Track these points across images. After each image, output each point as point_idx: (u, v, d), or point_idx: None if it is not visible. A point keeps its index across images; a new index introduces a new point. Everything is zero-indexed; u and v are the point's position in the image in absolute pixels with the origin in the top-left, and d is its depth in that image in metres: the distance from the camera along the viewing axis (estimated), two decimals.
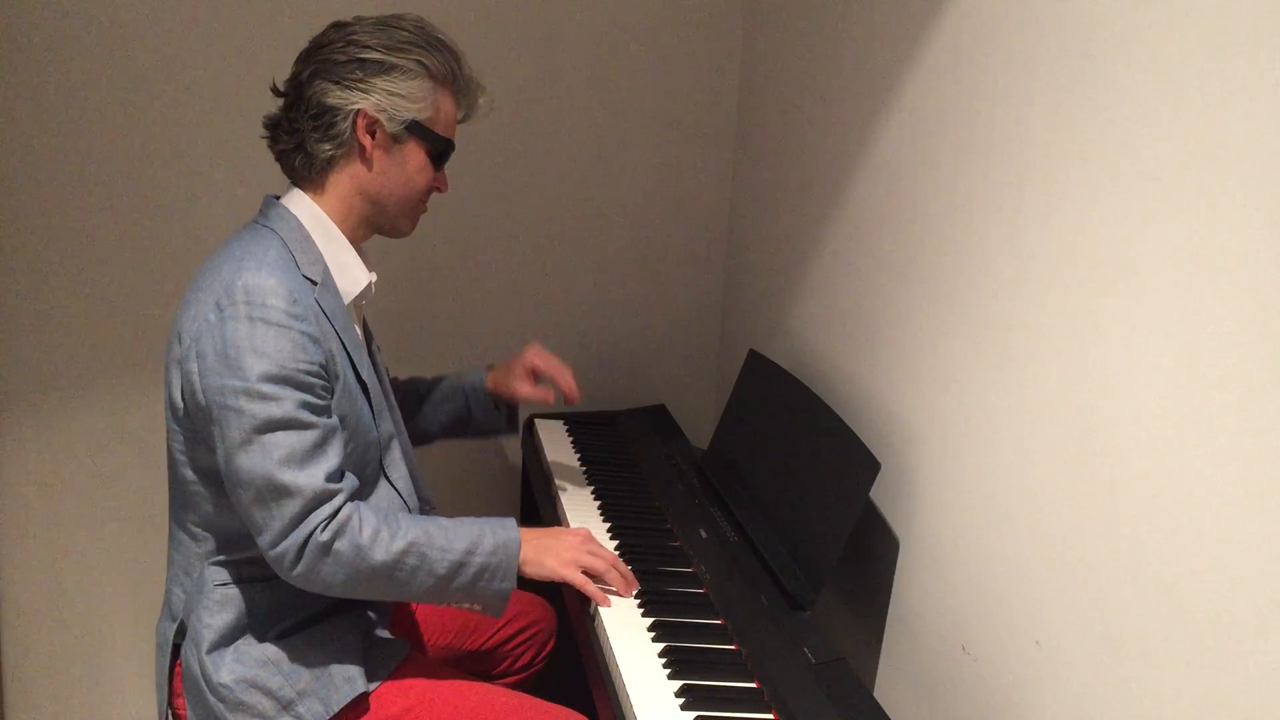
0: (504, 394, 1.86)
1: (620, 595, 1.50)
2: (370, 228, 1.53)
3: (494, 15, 2.22)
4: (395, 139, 1.46)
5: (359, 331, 1.55)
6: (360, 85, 1.42)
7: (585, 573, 1.49)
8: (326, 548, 1.33)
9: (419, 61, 1.45)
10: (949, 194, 1.45)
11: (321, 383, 1.37)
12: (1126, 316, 1.09)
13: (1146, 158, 1.06)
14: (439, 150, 1.51)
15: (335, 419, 1.39)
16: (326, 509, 1.34)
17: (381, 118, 1.44)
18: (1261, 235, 0.92)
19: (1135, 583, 1.08)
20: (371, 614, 1.55)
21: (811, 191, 1.95)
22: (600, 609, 1.48)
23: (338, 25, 1.48)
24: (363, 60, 1.43)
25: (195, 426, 1.38)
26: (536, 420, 2.25)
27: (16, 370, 2.15)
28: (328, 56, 1.44)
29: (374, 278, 1.53)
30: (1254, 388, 0.93)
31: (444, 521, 1.44)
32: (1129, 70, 1.08)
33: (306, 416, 1.34)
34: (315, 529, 1.33)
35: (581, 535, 1.54)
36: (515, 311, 2.38)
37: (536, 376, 1.84)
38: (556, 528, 1.57)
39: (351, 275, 1.50)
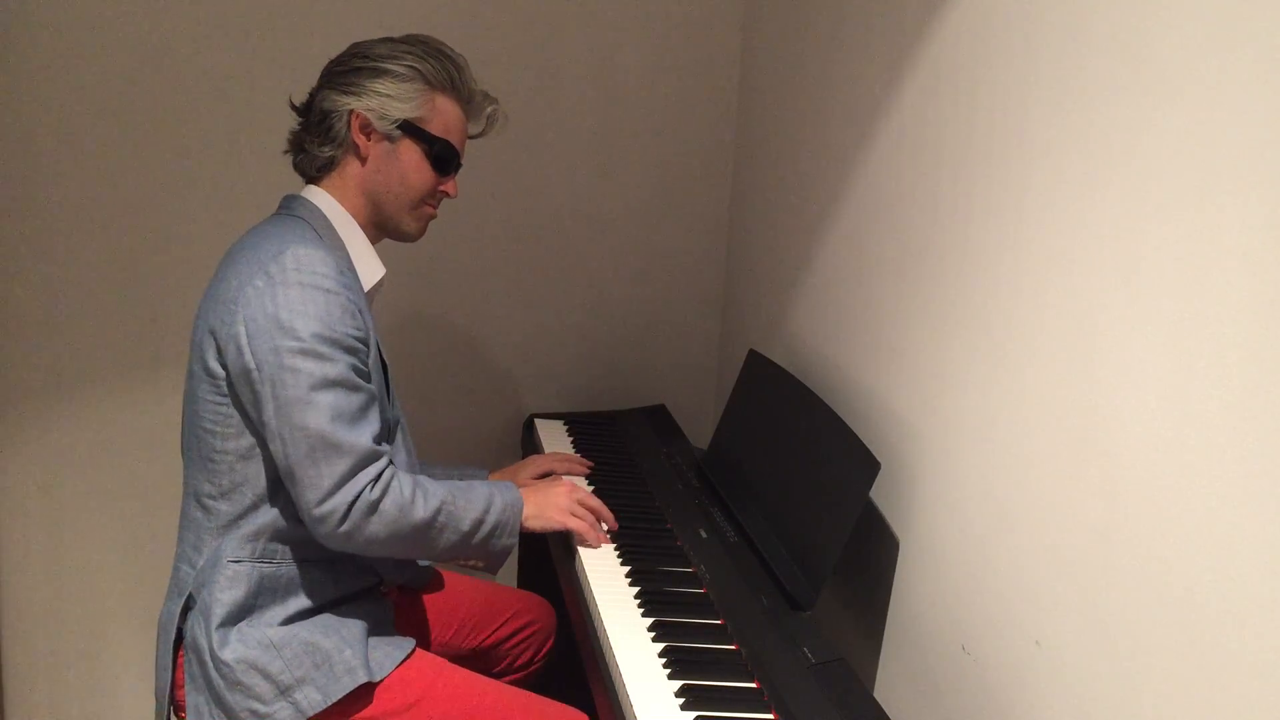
0: None
1: (607, 531, 1.67)
2: (376, 229, 1.60)
3: (494, 16, 2.22)
4: (389, 138, 1.53)
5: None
6: (353, 89, 1.52)
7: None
8: (374, 506, 1.40)
9: (411, 66, 1.53)
10: (949, 194, 1.45)
11: (365, 350, 1.45)
12: (1126, 316, 1.09)
13: (1146, 158, 1.06)
14: (436, 151, 1.56)
15: (374, 388, 1.46)
16: (373, 469, 1.41)
17: (371, 116, 1.52)
18: (1261, 235, 0.92)
19: (1135, 583, 1.08)
20: (378, 608, 1.56)
21: (811, 192, 1.95)
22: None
23: (355, 44, 1.57)
24: (359, 68, 1.52)
25: (237, 393, 1.42)
26: (536, 420, 2.25)
27: (16, 370, 2.15)
28: (333, 69, 1.55)
29: (385, 274, 1.60)
30: (1253, 388, 0.93)
31: (455, 484, 1.53)
32: (1128, 70, 1.08)
33: (355, 379, 1.41)
34: (365, 488, 1.39)
35: (569, 485, 1.68)
36: (516, 311, 2.38)
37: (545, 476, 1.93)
38: (544, 481, 1.77)
39: (368, 265, 1.57)
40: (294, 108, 1.59)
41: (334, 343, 1.39)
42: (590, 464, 1.96)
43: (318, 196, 1.55)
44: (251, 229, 1.53)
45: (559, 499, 1.63)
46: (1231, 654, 0.96)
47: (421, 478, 1.50)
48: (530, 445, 2.18)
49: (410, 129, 1.53)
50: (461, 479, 1.83)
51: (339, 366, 1.39)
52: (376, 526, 1.41)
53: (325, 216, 1.53)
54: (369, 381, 1.45)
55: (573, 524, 1.62)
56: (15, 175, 2.07)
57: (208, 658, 1.42)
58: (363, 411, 1.41)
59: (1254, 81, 0.93)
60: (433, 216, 1.62)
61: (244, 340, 1.39)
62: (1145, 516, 1.06)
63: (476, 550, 1.53)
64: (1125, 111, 1.09)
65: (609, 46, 2.29)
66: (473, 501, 1.51)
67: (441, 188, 1.60)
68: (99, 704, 2.32)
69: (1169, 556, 1.03)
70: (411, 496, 1.44)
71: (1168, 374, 1.03)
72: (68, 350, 2.16)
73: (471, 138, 1.64)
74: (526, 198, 2.33)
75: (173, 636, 1.48)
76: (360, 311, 1.44)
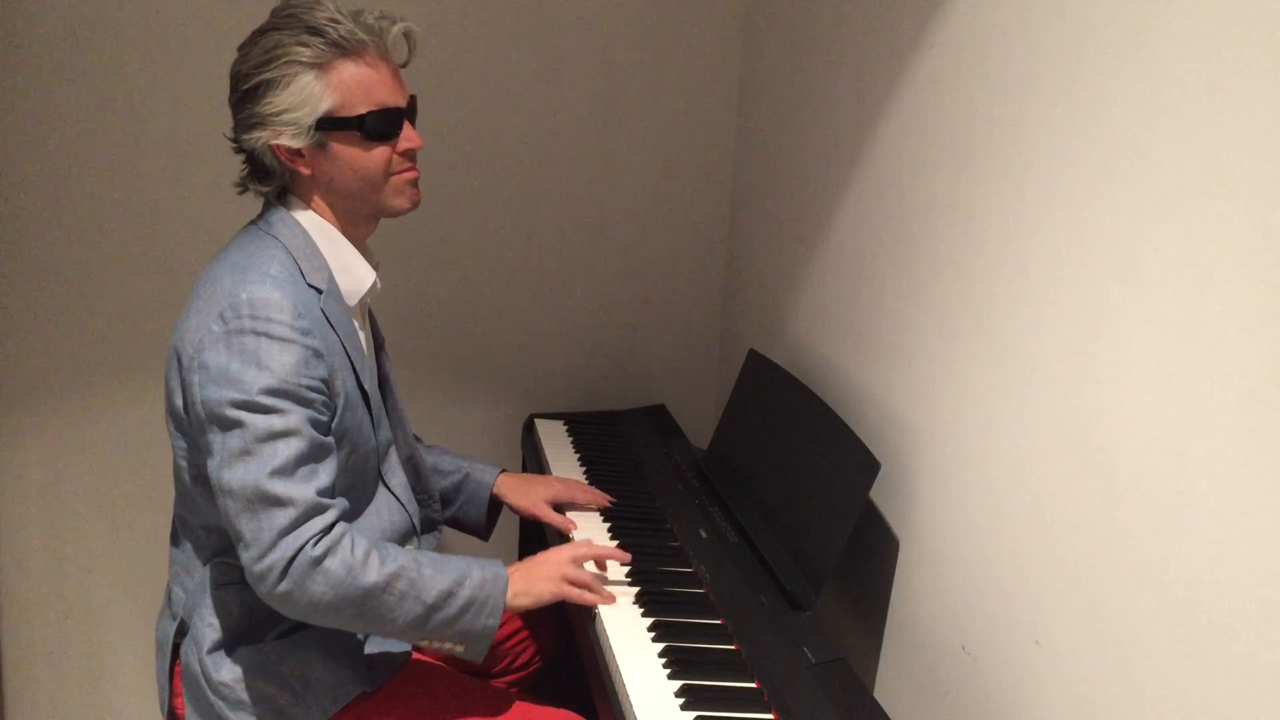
0: (518, 506, 1.79)
1: (606, 603, 1.50)
2: (364, 220, 1.49)
3: (493, 16, 2.21)
4: (318, 145, 1.39)
5: (363, 337, 1.52)
6: (253, 119, 1.37)
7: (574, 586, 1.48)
8: (317, 562, 1.28)
9: (288, 61, 1.35)
10: (949, 194, 1.45)
11: (322, 399, 1.35)
12: (1127, 316, 1.09)
13: (1147, 158, 1.06)
14: (369, 125, 1.39)
15: (332, 439, 1.37)
16: (319, 523, 1.30)
17: (284, 140, 1.38)
18: (1261, 235, 0.92)
19: (1135, 583, 1.08)
20: None
21: (811, 192, 1.95)
22: (600, 609, 1.49)
23: (237, 52, 1.41)
24: (245, 91, 1.38)
25: (194, 435, 1.38)
26: (536, 420, 2.25)
27: (17, 371, 2.15)
28: (231, 100, 1.42)
29: (376, 277, 1.50)
30: (1254, 388, 0.93)
31: (431, 554, 1.41)
32: (1129, 70, 1.08)
33: (306, 430, 1.31)
34: (307, 543, 1.28)
35: (563, 551, 1.51)
36: (516, 311, 2.38)
37: (559, 506, 1.79)
38: (538, 554, 1.53)
39: (356, 276, 1.47)
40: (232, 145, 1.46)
41: (284, 394, 1.30)
42: (611, 499, 1.81)
43: (297, 209, 1.45)
44: (224, 248, 1.44)
45: (547, 568, 1.48)
46: (1231, 654, 0.96)
47: (386, 544, 1.39)
48: (530, 445, 2.18)
49: (328, 124, 1.38)
50: (470, 470, 1.78)
51: (285, 419, 1.29)
52: (321, 587, 1.28)
53: (306, 233, 1.43)
54: (325, 432, 1.35)
55: (567, 592, 1.47)
56: (17, 175, 2.07)
57: (204, 683, 1.41)
58: (310, 462, 1.31)
59: (1254, 81, 0.93)
60: (413, 179, 1.46)
61: (196, 388, 1.32)
62: (1145, 516, 1.06)
63: (445, 628, 1.38)
64: (1125, 111, 1.09)
65: (609, 46, 2.29)
66: (442, 571, 1.37)
67: (400, 149, 1.43)
68: (99, 704, 2.32)
69: (1169, 556, 1.03)
70: (364, 558, 1.31)
71: (1169, 374, 1.03)
72: (67, 350, 2.16)
73: (403, 66, 1.45)
74: (526, 197, 2.33)
75: (169, 654, 1.47)
76: (321, 355, 1.35)
